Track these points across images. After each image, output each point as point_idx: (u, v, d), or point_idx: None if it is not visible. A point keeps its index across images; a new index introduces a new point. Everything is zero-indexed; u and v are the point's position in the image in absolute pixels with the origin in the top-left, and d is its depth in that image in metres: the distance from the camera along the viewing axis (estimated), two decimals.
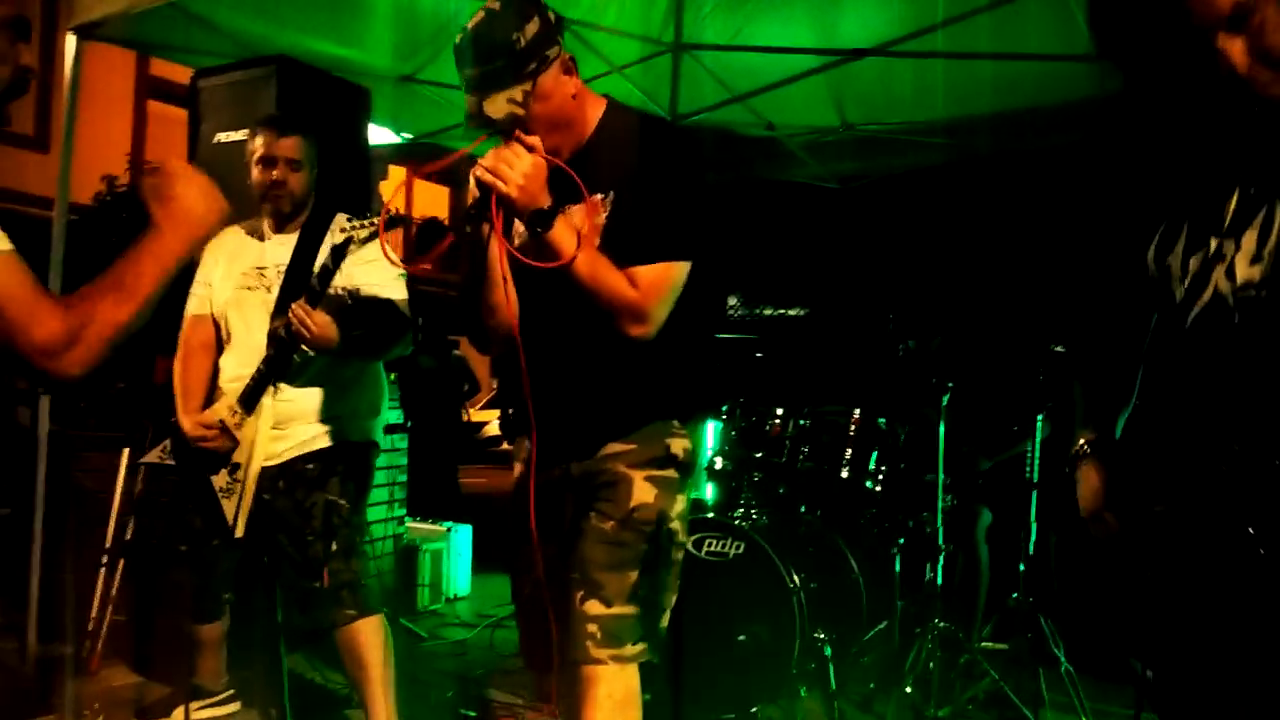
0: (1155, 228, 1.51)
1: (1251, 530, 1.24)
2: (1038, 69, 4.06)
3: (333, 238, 2.60)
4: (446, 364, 6.96)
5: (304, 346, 2.56)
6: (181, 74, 4.36)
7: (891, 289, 4.78)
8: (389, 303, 2.71)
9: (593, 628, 1.81)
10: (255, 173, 2.74)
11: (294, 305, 2.52)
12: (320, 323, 2.52)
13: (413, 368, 5.35)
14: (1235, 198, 1.33)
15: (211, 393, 2.78)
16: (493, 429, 11.96)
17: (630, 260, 1.78)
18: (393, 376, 4.02)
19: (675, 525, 1.92)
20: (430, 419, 5.79)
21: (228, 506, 2.66)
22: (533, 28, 1.74)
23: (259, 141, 2.74)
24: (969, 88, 4.29)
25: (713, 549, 3.25)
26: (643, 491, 1.88)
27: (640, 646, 1.85)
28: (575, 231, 1.75)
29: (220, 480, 2.68)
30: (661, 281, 1.79)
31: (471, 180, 1.71)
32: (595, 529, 1.87)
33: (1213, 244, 1.36)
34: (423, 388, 5.86)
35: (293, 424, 2.70)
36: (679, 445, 1.94)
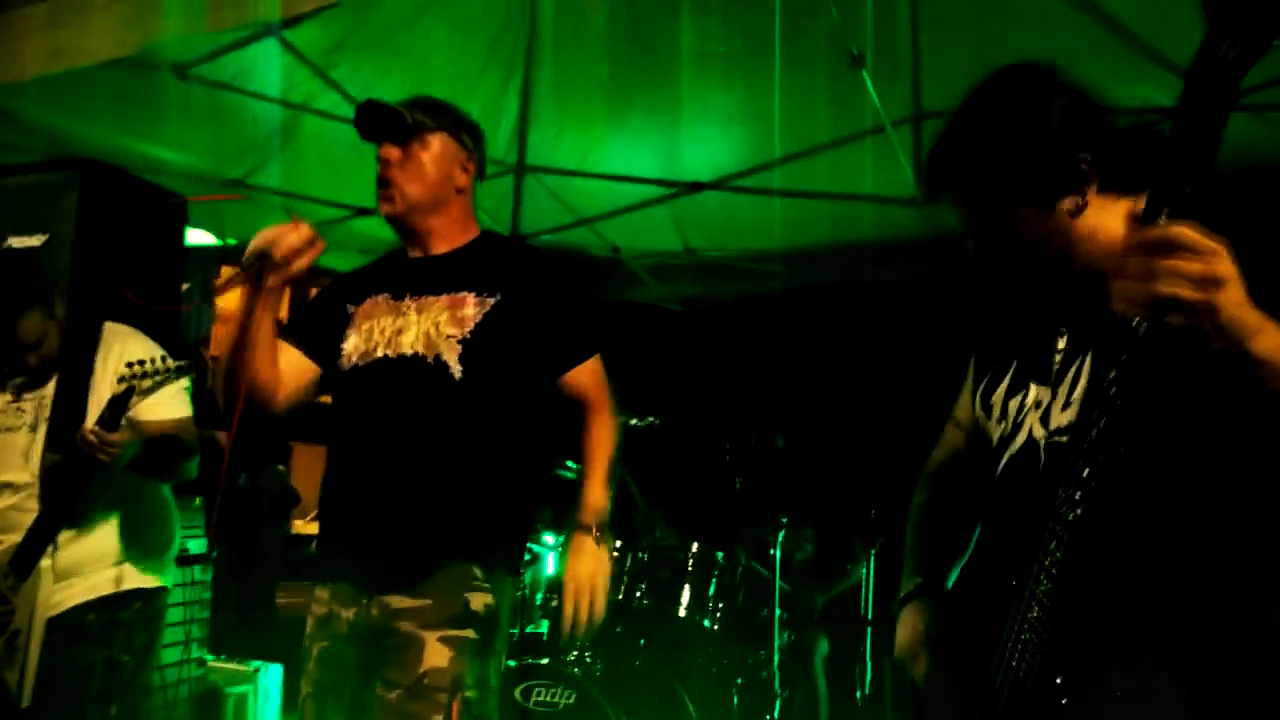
0: (980, 364, 1.50)
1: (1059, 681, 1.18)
2: (870, 207, 4.23)
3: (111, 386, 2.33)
4: (264, 479, 6.50)
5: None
6: None
7: (730, 415, 4.79)
8: (172, 424, 2.48)
9: None
10: None
11: (86, 431, 2.24)
12: (120, 440, 2.27)
13: (226, 487, 4.95)
14: (1061, 347, 1.33)
15: None
16: None
17: (568, 364, 1.91)
18: (198, 501, 3.69)
19: (472, 694, 1.75)
20: (244, 544, 5.36)
21: (9, 678, 2.30)
22: None
23: None
24: (804, 221, 4.43)
25: (541, 699, 3.05)
26: (435, 655, 1.72)
27: None
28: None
29: None
30: (601, 371, 1.95)
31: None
32: (380, 700, 1.72)
33: (1033, 390, 1.36)
34: (238, 509, 5.43)
35: (77, 573, 2.39)
36: (479, 601, 1.78)
